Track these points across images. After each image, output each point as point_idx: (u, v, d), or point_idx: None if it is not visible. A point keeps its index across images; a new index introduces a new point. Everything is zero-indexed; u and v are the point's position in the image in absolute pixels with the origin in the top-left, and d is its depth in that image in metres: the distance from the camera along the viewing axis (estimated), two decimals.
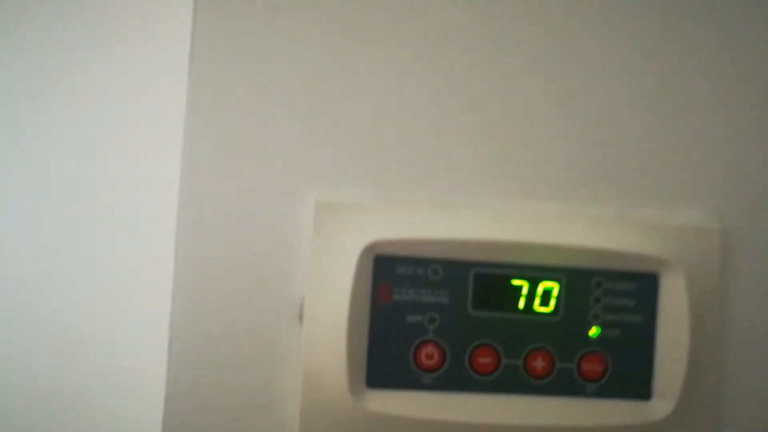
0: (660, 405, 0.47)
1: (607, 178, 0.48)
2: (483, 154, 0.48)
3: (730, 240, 0.49)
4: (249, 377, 0.47)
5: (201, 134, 0.46)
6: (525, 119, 0.48)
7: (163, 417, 0.46)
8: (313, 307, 0.46)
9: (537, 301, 0.47)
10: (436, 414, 0.46)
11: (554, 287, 0.47)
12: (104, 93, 0.52)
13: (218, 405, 0.46)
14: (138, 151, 0.51)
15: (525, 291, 0.47)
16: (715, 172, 0.49)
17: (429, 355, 0.47)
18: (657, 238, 0.47)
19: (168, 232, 0.47)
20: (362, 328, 0.46)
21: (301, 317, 0.46)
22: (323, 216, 0.46)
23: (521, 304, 0.47)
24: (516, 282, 0.47)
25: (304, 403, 0.46)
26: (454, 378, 0.47)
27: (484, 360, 0.47)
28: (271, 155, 0.47)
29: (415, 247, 0.46)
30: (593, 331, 0.47)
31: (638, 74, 0.49)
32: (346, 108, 0.47)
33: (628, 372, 0.48)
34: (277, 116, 0.47)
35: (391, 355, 0.46)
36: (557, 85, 0.48)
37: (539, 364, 0.47)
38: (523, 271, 0.47)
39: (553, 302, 0.47)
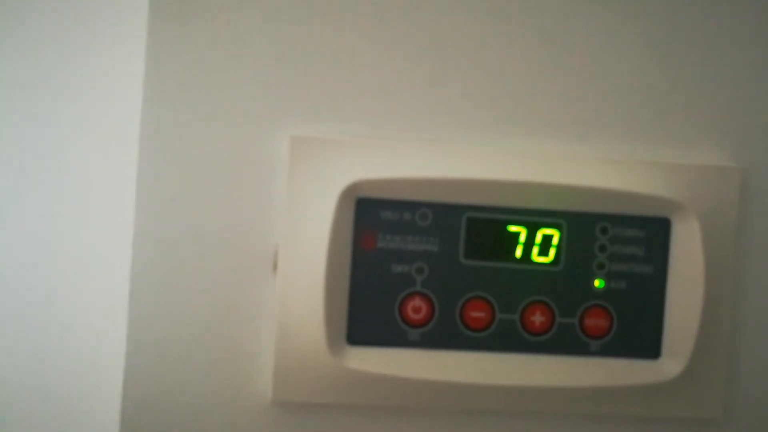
0: (670, 364, 0.43)
1: (615, 114, 0.44)
2: (477, 86, 0.43)
3: (749, 181, 0.44)
4: (217, 333, 0.42)
5: (163, 63, 0.41)
6: (523, 47, 0.43)
7: (124, 378, 0.42)
8: (288, 255, 0.41)
9: (535, 249, 0.43)
10: (424, 373, 0.42)
11: (554, 234, 0.43)
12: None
13: (183, 364, 0.42)
14: (97, 87, 0.46)
15: (522, 238, 0.42)
16: (733, 107, 0.44)
17: (416, 308, 0.42)
18: (669, 178, 0.43)
19: (127, 171, 0.43)
20: (342, 278, 0.41)
21: (275, 267, 0.42)
22: (299, 153, 0.41)
23: (518, 252, 0.42)
24: (513, 228, 0.42)
25: (278, 361, 0.41)
26: (444, 334, 0.42)
27: (477, 314, 0.42)
28: (241, 85, 0.42)
29: (401, 189, 0.41)
30: (597, 283, 0.43)
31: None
32: (325, 34, 0.42)
33: (635, 328, 0.43)
34: (248, 42, 0.42)
35: (375, 308, 0.42)
36: (561, 7, 0.43)
37: (537, 319, 0.43)
38: (520, 215, 0.42)
39: (553, 251, 0.43)
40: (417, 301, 0.42)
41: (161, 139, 0.41)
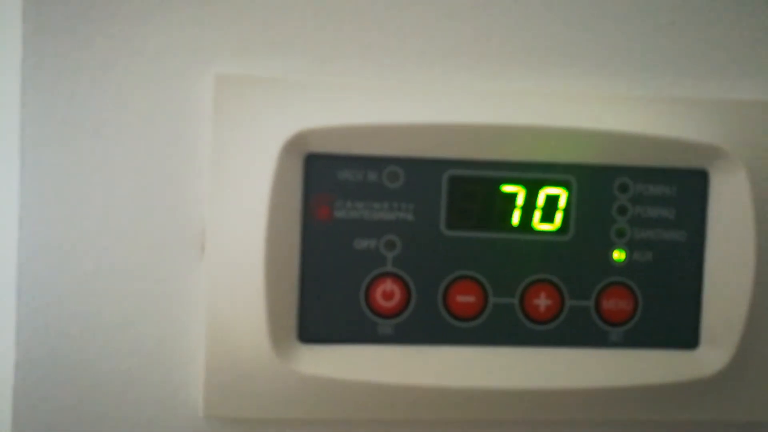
0: (711, 355, 0.34)
1: (634, 40, 0.34)
2: (458, 5, 0.34)
3: None
4: (132, 335, 0.33)
5: None
6: None
7: (13, 395, 0.33)
8: (218, 232, 0.32)
9: (537, 214, 0.33)
10: (399, 375, 0.33)
11: (561, 194, 0.33)
12: None
13: (89, 375, 0.33)
14: None
15: (520, 200, 0.33)
16: None
17: (387, 294, 0.33)
18: (705, 118, 0.34)
19: (6, 129, 0.33)
20: (290, 259, 0.32)
21: (202, 248, 0.33)
22: (227, 97, 0.32)
23: (515, 219, 0.33)
24: (508, 188, 0.33)
25: (209, 367, 0.32)
26: (423, 325, 0.33)
27: (465, 299, 0.33)
28: (149, 11, 0.32)
29: (362, 140, 0.32)
30: (617, 255, 0.34)
31: None
32: None
33: (666, 311, 0.34)
34: None
35: (334, 295, 0.33)
36: None
37: (542, 303, 0.34)
38: (517, 171, 0.33)
39: (559, 215, 0.33)
40: (388, 285, 0.33)
41: (46, 85, 0.32)
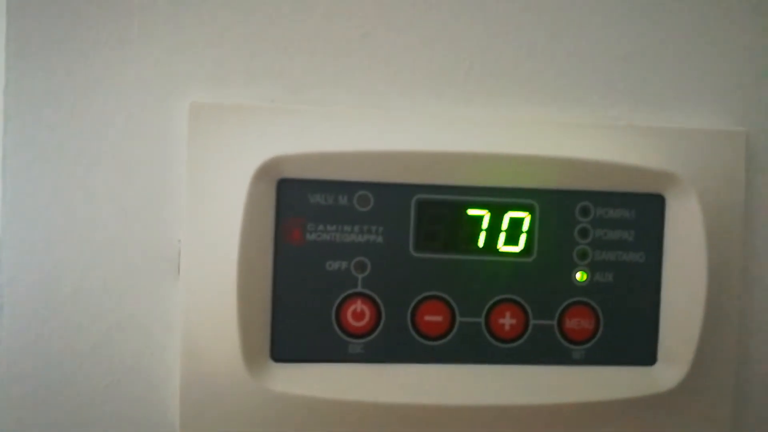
0: (667, 372, 0.35)
1: (596, 71, 0.36)
2: (425, 37, 0.35)
3: (755, 148, 0.37)
4: (109, 353, 0.34)
5: (28, 14, 0.33)
6: None
7: None
8: (193, 253, 0.33)
9: (502, 236, 0.35)
10: (369, 394, 0.33)
11: (525, 217, 0.35)
12: None
13: (66, 392, 0.33)
14: None
15: (486, 223, 0.34)
16: (735, 60, 0.37)
17: (358, 314, 0.34)
18: (662, 146, 0.35)
19: None
20: (262, 280, 0.33)
21: (178, 268, 0.34)
22: (202, 124, 0.33)
23: (481, 241, 0.35)
24: (473, 211, 0.34)
25: (185, 385, 0.33)
26: (393, 344, 0.34)
27: (433, 318, 0.34)
28: (128, 41, 0.33)
29: (333, 166, 0.33)
30: (579, 276, 0.35)
31: None
32: None
33: (625, 329, 0.36)
34: None
35: (305, 315, 0.34)
36: None
37: (507, 322, 0.35)
38: (482, 196, 0.34)
39: (523, 238, 0.35)
40: (358, 305, 0.34)
41: (28, 112, 0.33)
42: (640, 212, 0.35)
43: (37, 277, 0.33)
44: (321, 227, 0.34)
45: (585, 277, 0.35)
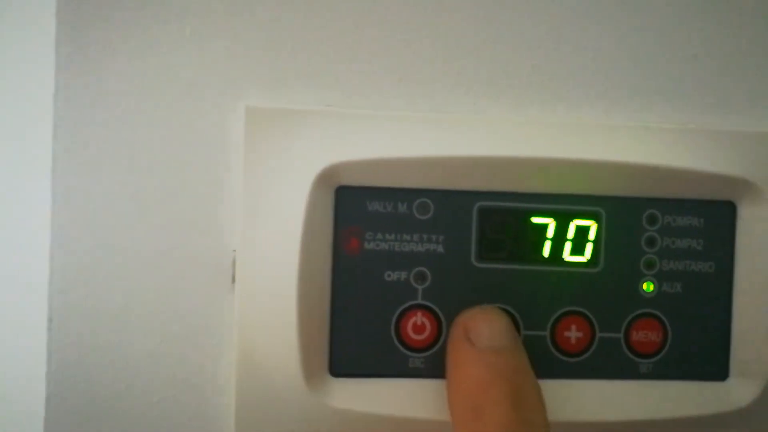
0: (741, 387, 0.34)
1: (664, 72, 0.34)
2: (487, 39, 0.34)
3: None
4: (162, 366, 0.33)
5: (79, 17, 0.32)
6: None
7: (44, 428, 0.32)
8: (249, 263, 0.32)
9: (568, 246, 0.33)
10: (430, 410, 0.32)
11: (591, 226, 0.33)
12: None
13: (120, 405, 0.32)
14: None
15: (551, 232, 0.33)
16: None
17: (418, 327, 0.33)
18: (733, 150, 0.34)
19: (40, 158, 0.33)
20: (321, 291, 0.32)
21: (234, 278, 0.33)
22: (258, 129, 0.32)
23: (546, 250, 0.33)
24: (538, 219, 0.33)
25: (240, 400, 0.32)
26: None
27: None
28: (181, 44, 0.32)
29: (393, 173, 0.32)
30: (646, 286, 0.34)
31: None
32: None
33: (695, 342, 0.34)
34: None
35: (364, 328, 0.33)
36: None
37: (573, 335, 0.34)
38: (547, 203, 0.33)
39: (589, 247, 0.33)
40: (419, 318, 0.33)
41: (81, 118, 0.32)
42: (709, 220, 0.34)
43: (89, 288, 0.32)
44: (379, 236, 0.33)
45: (652, 287, 0.34)
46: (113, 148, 0.32)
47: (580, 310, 0.34)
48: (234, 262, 0.32)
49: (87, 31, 0.32)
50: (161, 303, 0.33)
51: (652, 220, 0.34)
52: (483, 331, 0.31)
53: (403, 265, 0.33)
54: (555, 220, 0.33)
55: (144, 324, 0.32)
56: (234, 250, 0.32)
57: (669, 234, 0.34)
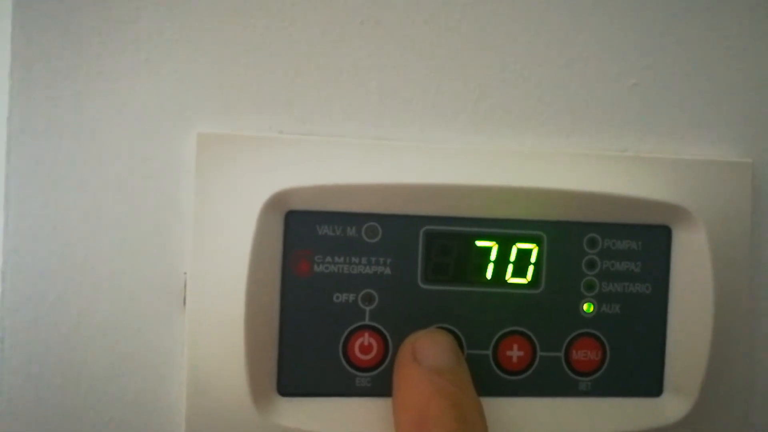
0: (674, 403, 0.35)
1: (603, 103, 0.36)
2: (435, 69, 0.35)
3: (762, 180, 0.37)
4: (113, 386, 0.33)
5: (33, 43, 0.32)
6: (492, 23, 0.35)
7: None
8: (199, 285, 0.32)
9: (510, 268, 0.35)
10: (377, 429, 0.33)
11: (533, 249, 0.35)
12: None
13: (69, 427, 0.33)
14: None
15: (494, 255, 0.34)
16: (740, 91, 0.37)
17: (365, 347, 0.34)
18: (668, 177, 0.35)
19: None
20: (270, 312, 0.33)
21: (184, 300, 0.33)
22: (209, 155, 0.32)
23: (489, 273, 0.34)
24: (482, 243, 0.34)
25: (190, 418, 0.33)
26: None
27: None
28: (134, 70, 0.33)
29: (342, 198, 0.33)
30: (586, 307, 0.35)
31: None
32: (242, 7, 0.33)
33: (632, 360, 0.36)
34: (142, 15, 0.33)
35: (312, 349, 0.33)
36: None
37: (514, 353, 0.35)
38: (490, 227, 0.34)
39: (531, 269, 0.35)
40: (366, 338, 0.34)
41: (32, 142, 0.32)
42: (646, 244, 0.35)
43: (39, 310, 0.33)
44: (329, 259, 0.33)
45: (592, 308, 0.35)
46: (67, 172, 0.33)
47: (522, 330, 0.35)
48: (185, 285, 0.33)
49: (41, 57, 0.32)
50: (113, 324, 0.33)
51: (592, 243, 0.35)
52: (428, 352, 0.32)
53: (351, 287, 0.34)
54: (498, 243, 0.34)
55: (96, 344, 0.33)
56: (185, 273, 0.33)
57: (608, 257, 0.35)
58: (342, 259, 0.34)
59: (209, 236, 0.32)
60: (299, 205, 0.33)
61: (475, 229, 0.34)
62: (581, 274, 0.35)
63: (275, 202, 0.32)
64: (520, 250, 0.35)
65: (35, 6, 0.32)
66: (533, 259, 0.35)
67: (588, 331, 0.35)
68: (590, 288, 0.35)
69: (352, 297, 0.34)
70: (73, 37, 0.32)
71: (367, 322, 0.34)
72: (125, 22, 0.33)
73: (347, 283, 0.34)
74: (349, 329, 0.34)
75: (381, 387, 0.34)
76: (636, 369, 0.36)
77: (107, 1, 0.32)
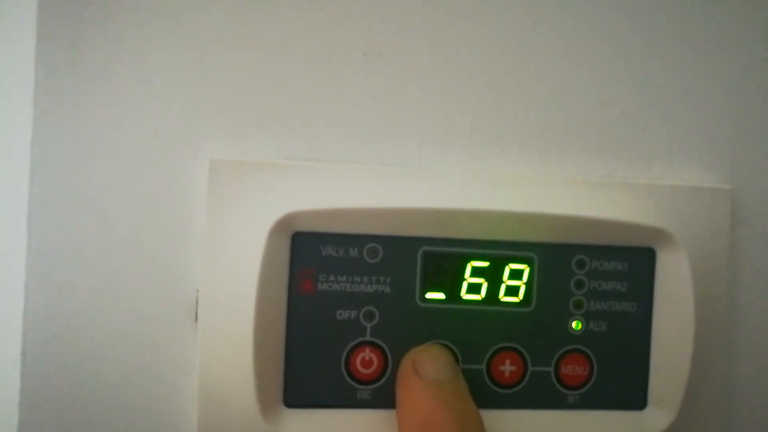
0: (657, 415, 0.38)
1: (591, 130, 0.38)
2: (431, 100, 0.37)
3: (739, 204, 0.39)
4: (127, 398, 0.35)
5: (55, 73, 0.34)
6: (483, 53, 0.37)
7: None
8: (210, 301, 0.34)
9: (503, 287, 0.37)
10: None
11: (525, 269, 0.37)
12: None
13: None
14: None
15: (488, 275, 0.37)
16: (721, 121, 0.39)
17: (366, 361, 0.36)
18: (653, 202, 0.37)
19: (16, 205, 0.36)
20: (277, 328, 0.35)
21: (196, 316, 0.35)
22: (221, 180, 0.35)
23: (483, 292, 0.37)
24: (476, 263, 0.36)
25: (201, 428, 0.35)
26: None
27: None
28: (148, 98, 0.35)
29: (345, 221, 0.35)
30: (575, 325, 0.37)
31: (635, 10, 0.39)
32: (250, 34, 0.36)
33: (618, 375, 0.38)
34: (156, 45, 0.35)
35: (316, 363, 0.35)
36: (526, 6, 0.38)
37: (507, 368, 0.37)
38: (484, 248, 0.36)
39: (523, 289, 0.37)
40: (367, 353, 0.36)
41: (52, 164, 0.34)
42: (632, 265, 0.38)
43: (60, 325, 0.35)
44: (332, 278, 0.36)
45: (580, 326, 0.37)
46: (86, 196, 0.35)
47: (514, 346, 0.37)
48: (197, 301, 0.35)
49: (61, 89, 0.34)
50: (130, 337, 0.35)
51: (580, 264, 0.37)
52: (428, 366, 0.34)
53: (353, 304, 0.36)
54: (491, 264, 0.36)
55: (113, 357, 0.35)
56: (197, 290, 0.35)
57: (596, 277, 0.37)
58: (345, 278, 0.36)
59: (220, 256, 0.34)
60: (305, 227, 0.35)
61: (470, 251, 0.36)
62: (570, 293, 0.37)
63: (282, 224, 0.34)
64: (512, 271, 0.37)
65: (54, 40, 0.34)
66: (525, 279, 0.37)
67: (576, 348, 0.37)
68: (578, 306, 0.37)
69: (354, 314, 0.36)
70: (90, 63, 0.35)
71: (368, 338, 0.36)
72: (140, 51, 0.35)
73: (349, 301, 0.36)
74: (351, 344, 0.36)
75: (381, 399, 0.36)
76: (621, 383, 0.38)
77: (120, 32, 0.35)
